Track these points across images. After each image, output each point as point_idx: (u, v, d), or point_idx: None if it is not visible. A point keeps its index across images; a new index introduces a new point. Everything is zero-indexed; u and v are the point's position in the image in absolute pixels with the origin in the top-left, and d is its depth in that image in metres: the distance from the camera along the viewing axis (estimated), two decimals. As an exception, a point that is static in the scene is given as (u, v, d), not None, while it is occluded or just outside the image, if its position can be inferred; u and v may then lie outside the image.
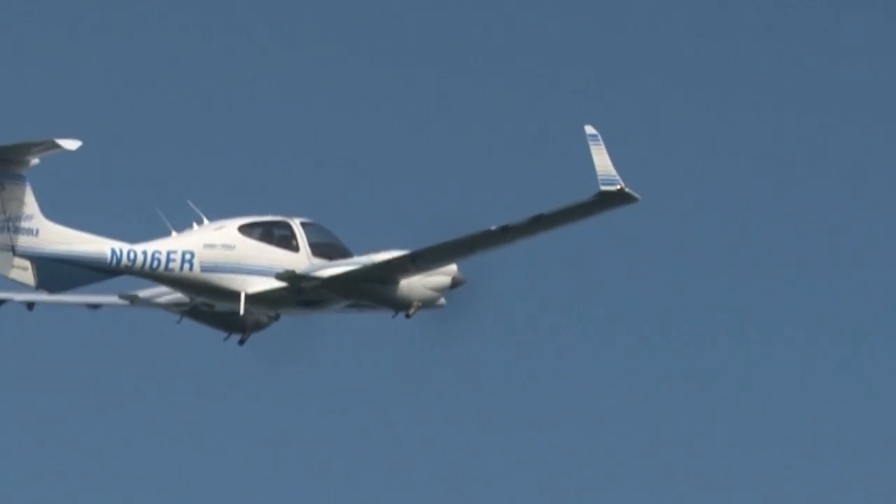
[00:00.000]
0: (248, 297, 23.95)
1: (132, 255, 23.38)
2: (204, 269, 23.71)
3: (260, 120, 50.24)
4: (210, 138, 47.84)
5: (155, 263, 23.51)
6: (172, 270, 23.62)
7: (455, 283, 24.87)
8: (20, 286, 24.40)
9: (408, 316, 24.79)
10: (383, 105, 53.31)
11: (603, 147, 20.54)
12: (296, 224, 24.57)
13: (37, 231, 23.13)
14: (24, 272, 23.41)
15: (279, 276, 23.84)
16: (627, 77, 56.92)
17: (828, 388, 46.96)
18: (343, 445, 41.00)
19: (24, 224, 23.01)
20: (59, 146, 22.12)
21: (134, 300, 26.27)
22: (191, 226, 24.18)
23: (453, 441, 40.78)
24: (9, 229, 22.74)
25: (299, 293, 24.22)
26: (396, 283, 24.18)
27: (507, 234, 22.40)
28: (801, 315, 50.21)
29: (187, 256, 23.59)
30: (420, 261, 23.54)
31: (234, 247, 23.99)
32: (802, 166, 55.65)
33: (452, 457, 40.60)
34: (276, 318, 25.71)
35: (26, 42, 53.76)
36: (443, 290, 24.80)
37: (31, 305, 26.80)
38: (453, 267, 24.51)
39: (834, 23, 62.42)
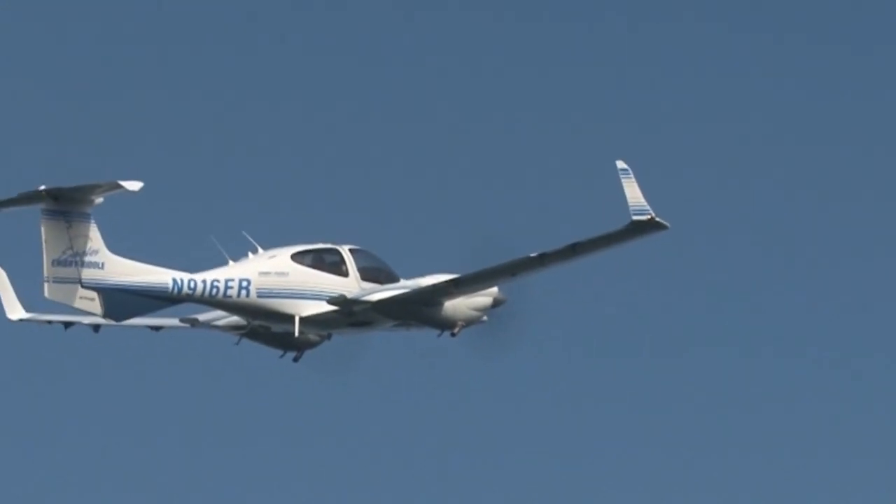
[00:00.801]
0: (302, 319, 25.40)
1: (192, 284, 24.86)
2: (260, 295, 25.12)
3: (305, 152, 53.08)
4: (260, 171, 50.68)
5: (214, 291, 24.98)
6: (231, 297, 25.07)
7: (496, 304, 26.18)
8: (87, 314, 26.26)
9: (452, 335, 26.24)
10: (426, 137, 56.44)
11: (633, 179, 21.60)
12: (345, 251, 25.88)
13: (102, 264, 24.62)
14: (91, 302, 24.96)
15: (331, 301, 25.22)
16: (656, 108, 58.95)
17: (840, 409, 48.55)
18: (391, 455, 43.03)
19: (91, 258, 24.53)
20: (122, 187, 23.69)
21: (194, 323, 27.82)
22: (246, 255, 25.58)
23: (492, 452, 43.37)
24: (77, 263, 24.27)
25: (350, 315, 25.63)
26: (441, 304, 25.53)
27: (544, 260, 23.64)
28: (815, 333, 52.23)
29: (244, 284, 25.01)
30: (463, 285, 24.89)
31: (288, 273, 25.39)
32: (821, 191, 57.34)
33: (488, 466, 43.40)
34: (328, 337, 27.10)
35: (83, 83, 57.29)
36: (485, 310, 26.15)
37: (97, 328, 28.31)
38: (494, 289, 25.85)
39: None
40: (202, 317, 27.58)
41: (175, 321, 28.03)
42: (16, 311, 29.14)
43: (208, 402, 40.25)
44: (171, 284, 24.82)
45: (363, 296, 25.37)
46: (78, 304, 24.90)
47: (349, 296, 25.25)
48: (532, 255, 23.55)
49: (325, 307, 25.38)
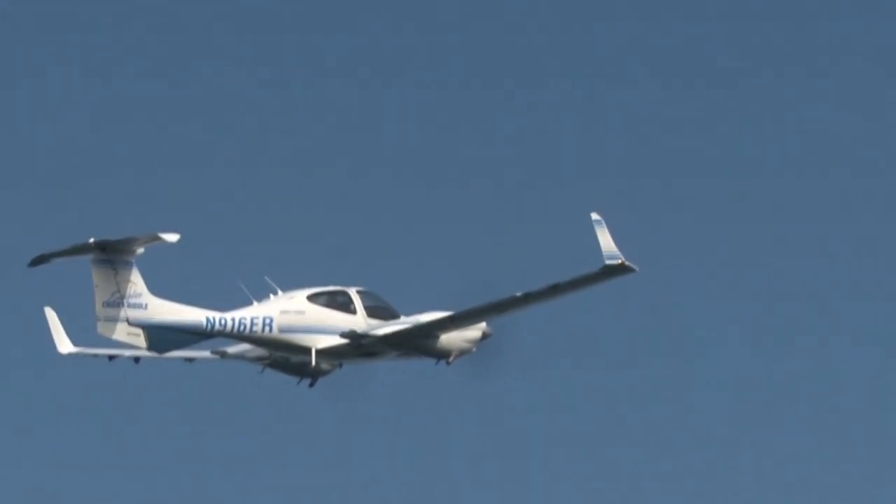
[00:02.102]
0: (317, 351, 28.43)
1: (223, 322, 27.80)
2: (281, 330, 28.11)
3: (313, 204, 58.87)
4: (272, 222, 56.23)
5: (242, 327, 27.95)
6: (256, 332, 28.04)
7: (484, 336, 29.21)
8: (134, 348, 29.46)
9: (448, 363, 29.43)
10: (418, 189, 62.89)
11: (605, 229, 24.68)
12: (353, 292, 28.87)
13: (145, 305, 27.59)
14: (136, 337, 27.95)
15: (343, 335, 28.18)
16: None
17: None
18: (396, 470, 46.99)
19: (135, 300, 27.45)
20: (161, 239, 26.91)
21: (224, 355, 30.81)
22: (268, 296, 28.54)
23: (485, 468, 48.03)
24: (123, 304, 27.40)
25: (359, 347, 28.57)
26: (438, 337, 28.54)
27: (528, 299, 26.71)
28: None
29: (267, 321, 27.95)
30: (458, 320, 27.99)
31: (305, 312, 28.37)
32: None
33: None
34: (340, 366, 30.13)
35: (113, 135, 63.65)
36: (475, 342, 29.18)
37: (137, 360, 31.29)
38: (483, 324, 28.92)
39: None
40: (231, 349, 30.52)
41: (207, 353, 30.94)
42: (65, 346, 32.02)
43: (235, 423, 43.69)
44: (204, 322, 27.79)
45: (370, 330, 28.31)
46: (125, 339, 27.93)
47: (358, 330, 28.22)
48: (517, 294, 26.48)
49: (337, 340, 28.27)
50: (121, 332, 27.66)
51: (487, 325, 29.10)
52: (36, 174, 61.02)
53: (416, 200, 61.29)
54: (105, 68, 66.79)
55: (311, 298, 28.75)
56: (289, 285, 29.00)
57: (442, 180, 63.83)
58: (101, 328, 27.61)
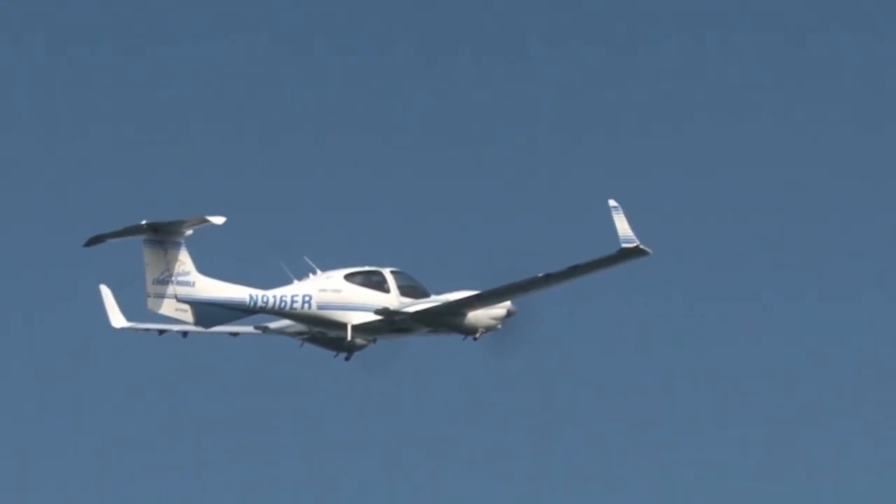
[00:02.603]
0: (353, 327, 30.30)
1: (265, 299, 29.67)
2: (319, 307, 29.96)
3: (350, 189, 63.33)
4: (310, 203, 60.30)
5: (283, 304, 29.80)
6: (296, 309, 29.89)
7: (509, 314, 31.13)
8: (182, 322, 31.42)
9: (474, 339, 31.30)
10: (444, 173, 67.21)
11: (622, 214, 26.31)
12: (387, 272, 30.65)
13: (193, 283, 29.45)
14: (185, 313, 29.82)
15: (377, 312, 30.07)
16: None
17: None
18: (428, 440, 49.61)
19: (184, 278, 29.32)
20: (208, 221, 28.65)
21: (265, 330, 32.71)
22: (307, 276, 30.33)
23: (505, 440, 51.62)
24: (173, 282, 29.27)
25: (392, 324, 30.49)
26: (465, 314, 30.45)
27: (549, 280, 28.48)
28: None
29: (307, 298, 29.77)
30: (484, 299, 29.84)
31: (342, 290, 30.23)
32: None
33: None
34: (374, 340, 31.99)
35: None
36: (500, 319, 31.05)
37: (185, 334, 33.05)
38: (508, 302, 30.76)
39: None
40: (272, 325, 32.33)
41: (250, 328, 32.77)
42: (118, 321, 34.03)
43: (275, 393, 46.26)
44: (247, 299, 29.66)
45: (403, 308, 30.22)
46: (174, 314, 29.78)
47: (391, 308, 30.11)
48: (540, 275, 28.27)
49: (371, 317, 30.16)
50: (169, 308, 29.41)
51: (512, 303, 30.89)
52: (90, 159, 64.72)
53: (450, 187, 65.31)
54: (145, 45, 71.11)
55: (348, 278, 30.52)
56: (327, 266, 30.75)
57: (471, 169, 67.80)
58: (152, 304, 29.35)
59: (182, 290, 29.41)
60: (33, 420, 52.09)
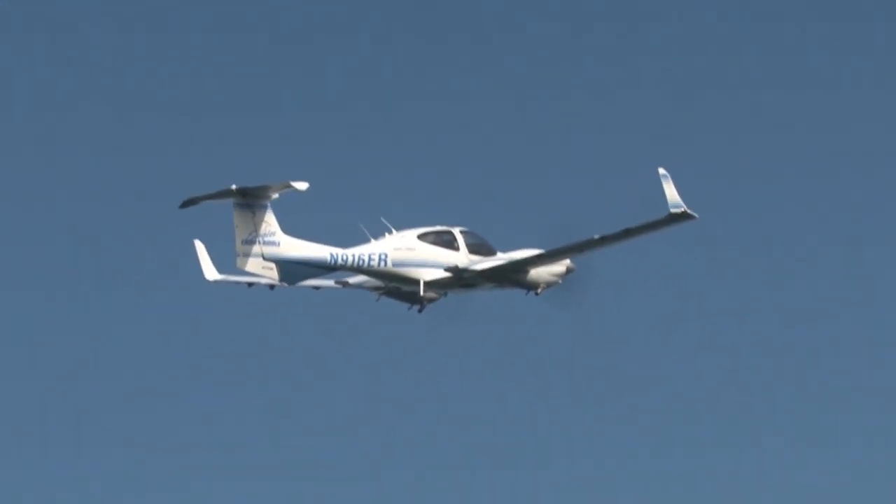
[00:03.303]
0: (425, 282, 32.71)
1: (344, 257, 32.18)
2: (395, 264, 32.33)
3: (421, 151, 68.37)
4: (384, 166, 65.00)
5: (360, 262, 32.26)
6: (373, 266, 32.35)
7: (568, 271, 33.37)
8: (268, 279, 33.99)
9: (536, 294, 33.60)
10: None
11: (671, 181, 28.09)
12: (457, 232, 32.83)
13: (278, 243, 31.88)
14: (270, 271, 32.38)
15: (447, 269, 32.44)
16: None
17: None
18: (497, 385, 53.23)
19: (269, 238, 31.84)
20: (292, 186, 30.86)
21: (345, 285, 35.34)
22: (383, 235, 32.69)
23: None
24: (260, 242, 31.75)
25: (461, 280, 32.92)
26: (528, 271, 32.77)
27: (604, 241, 30.60)
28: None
29: (383, 256, 32.18)
30: (545, 258, 32.11)
31: (415, 249, 32.58)
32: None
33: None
34: (444, 295, 34.41)
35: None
36: (560, 276, 33.31)
37: (272, 287, 35.18)
38: (567, 260, 32.99)
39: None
40: (351, 280, 34.91)
41: (331, 283, 35.34)
42: (212, 274, 36.94)
43: (354, 342, 49.81)
44: (328, 257, 32.18)
45: (471, 265, 32.53)
46: (260, 272, 32.32)
47: (460, 265, 32.44)
48: (595, 236, 30.50)
49: (442, 273, 32.55)
50: (256, 266, 31.87)
51: (571, 261, 33.08)
52: (184, 126, 70.94)
53: (519, 151, 70.08)
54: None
55: (421, 237, 32.84)
56: (401, 225, 33.04)
57: (534, 135, 71.99)
58: (240, 262, 31.77)
59: (268, 250, 31.78)
60: (139, 361, 58.31)
